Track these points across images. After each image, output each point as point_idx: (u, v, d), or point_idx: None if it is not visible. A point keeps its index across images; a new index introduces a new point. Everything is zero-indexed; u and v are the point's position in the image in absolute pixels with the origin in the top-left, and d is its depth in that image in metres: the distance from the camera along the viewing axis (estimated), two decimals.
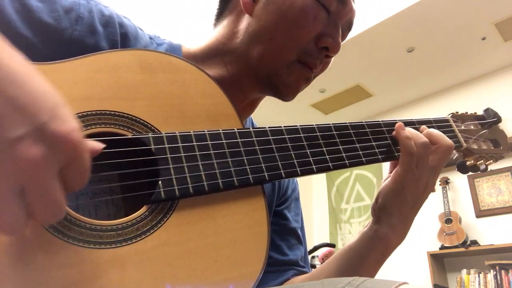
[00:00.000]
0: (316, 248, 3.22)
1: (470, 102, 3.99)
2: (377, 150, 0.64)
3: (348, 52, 3.48)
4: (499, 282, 3.22)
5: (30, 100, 0.30)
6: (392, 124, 0.68)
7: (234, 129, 0.53)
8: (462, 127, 0.77)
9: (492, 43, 3.53)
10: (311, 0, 0.63)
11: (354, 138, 0.63)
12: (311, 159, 0.57)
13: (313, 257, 3.24)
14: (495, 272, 3.28)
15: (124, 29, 0.61)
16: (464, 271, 3.47)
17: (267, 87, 0.68)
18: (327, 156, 0.59)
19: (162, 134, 0.48)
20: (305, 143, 0.58)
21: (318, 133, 0.60)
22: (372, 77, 4.08)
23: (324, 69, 0.71)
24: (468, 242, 3.52)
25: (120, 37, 0.60)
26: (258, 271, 0.48)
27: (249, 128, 0.55)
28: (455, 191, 3.91)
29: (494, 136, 0.81)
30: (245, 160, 0.52)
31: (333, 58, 0.70)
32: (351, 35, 0.72)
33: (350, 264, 0.67)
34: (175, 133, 0.49)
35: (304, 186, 5.10)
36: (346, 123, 0.64)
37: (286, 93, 0.68)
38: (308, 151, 0.58)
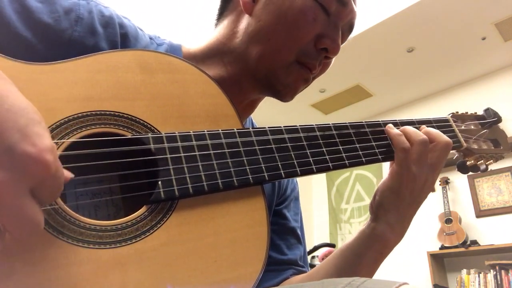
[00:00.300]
0: (316, 248, 3.22)
1: (470, 102, 3.99)
2: (377, 150, 0.64)
3: (348, 52, 3.48)
4: (499, 282, 3.22)
5: (1, 118, 0.29)
6: (392, 124, 0.68)
7: (233, 129, 0.53)
8: (462, 127, 0.77)
9: (492, 43, 3.53)
10: (311, 1, 0.62)
11: (354, 138, 0.63)
12: (311, 159, 0.57)
13: (313, 257, 3.24)
14: (495, 272, 3.28)
15: (124, 30, 0.61)
16: (464, 271, 3.47)
17: (266, 88, 0.68)
18: (327, 156, 0.59)
19: (161, 134, 0.48)
20: (305, 143, 0.58)
21: (318, 133, 0.60)
22: (372, 77, 4.08)
23: (324, 70, 0.71)
24: (468, 242, 3.52)
25: (120, 37, 0.60)
26: (258, 271, 0.48)
27: (248, 128, 0.55)
28: (455, 191, 3.91)
29: (494, 136, 0.81)
30: (245, 160, 0.52)
31: (333, 59, 0.69)
32: (351, 35, 0.71)
33: (347, 263, 0.66)
34: (175, 133, 0.49)
35: (304, 186, 5.10)
36: (346, 123, 0.64)
37: (284, 93, 0.68)
38: (308, 151, 0.58)
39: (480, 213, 3.69)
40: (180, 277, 0.42)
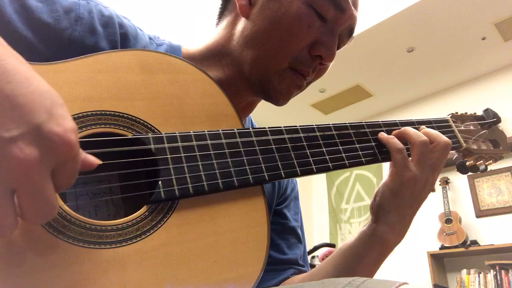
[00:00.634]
0: (316, 248, 3.22)
1: (470, 102, 3.99)
2: (376, 151, 0.64)
3: (348, 52, 3.47)
4: (499, 282, 3.22)
5: (28, 98, 0.30)
6: (392, 124, 0.68)
7: (234, 129, 0.53)
8: (462, 128, 0.77)
9: (492, 43, 3.53)
10: (306, 7, 0.61)
11: (354, 139, 0.63)
12: (311, 159, 0.57)
13: (313, 257, 3.24)
14: (495, 272, 3.28)
15: (124, 29, 0.61)
16: (464, 271, 3.47)
17: (259, 92, 0.68)
18: (327, 157, 0.59)
19: (162, 134, 0.48)
20: (305, 143, 0.58)
21: (317, 133, 0.60)
22: (372, 77, 4.08)
23: (320, 76, 0.71)
24: (468, 242, 3.52)
25: (120, 37, 0.60)
26: (257, 271, 0.48)
27: (249, 128, 0.55)
28: (455, 191, 3.91)
29: (493, 136, 0.81)
30: (245, 160, 0.52)
31: (331, 63, 0.69)
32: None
33: (348, 263, 0.66)
34: (175, 133, 0.49)
35: (304, 186, 5.10)
36: (346, 123, 0.64)
37: (276, 99, 0.68)
38: (308, 151, 0.58)
39: (480, 213, 3.69)
40: (181, 277, 0.43)
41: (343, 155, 0.61)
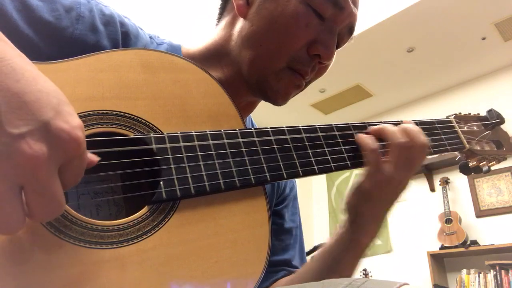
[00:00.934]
0: (316, 248, 3.21)
1: (470, 102, 3.99)
2: None
3: (348, 52, 3.47)
4: (499, 282, 3.22)
5: (36, 96, 0.31)
6: (395, 124, 0.68)
7: (236, 130, 0.53)
8: (465, 128, 0.77)
9: (492, 43, 3.53)
10: (304, 6, 0.60)
11: (355, 139, 0.63)
12: (313, 159, 0.57)
13: (313, 257, 3.24)
14: (495, 272, 3.28)
15: (125, 28, 0.61)
16: (464, 271, 3.47)
17: (257, 92, 0.68)
18: (329, 157, 0.59)
19: (163, 134, 0.48)
20: (307, 143, 0.58)
21: (320, 134, 0.60)
22: (372, 77, 4.08)
23: (320, 75, 0.70)
24: (468, 242, 3.52)
25: (121, 35, 0.60)
26: (259, 272, 0.48)
27: (251, 129, 0.55)
28: (455, 191, 3.91)
29: (497, 137, 0.80)
30: (247, 161, 0.51)
31: (331, 63, 0.68)
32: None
33: (327, 266, 0.65)
34: (177, 133, 0.48)
35: (304, 186, 5.10)
36: (348, 123, 0.64)
37: (274, 99, 0.67)
38: (310, 151, 0.57)
39: (480, 213, 3.69)
40: (181, 277, 0.42)
41: (345, 155, 0.60)
